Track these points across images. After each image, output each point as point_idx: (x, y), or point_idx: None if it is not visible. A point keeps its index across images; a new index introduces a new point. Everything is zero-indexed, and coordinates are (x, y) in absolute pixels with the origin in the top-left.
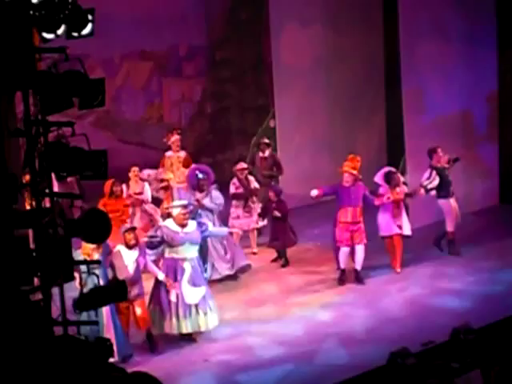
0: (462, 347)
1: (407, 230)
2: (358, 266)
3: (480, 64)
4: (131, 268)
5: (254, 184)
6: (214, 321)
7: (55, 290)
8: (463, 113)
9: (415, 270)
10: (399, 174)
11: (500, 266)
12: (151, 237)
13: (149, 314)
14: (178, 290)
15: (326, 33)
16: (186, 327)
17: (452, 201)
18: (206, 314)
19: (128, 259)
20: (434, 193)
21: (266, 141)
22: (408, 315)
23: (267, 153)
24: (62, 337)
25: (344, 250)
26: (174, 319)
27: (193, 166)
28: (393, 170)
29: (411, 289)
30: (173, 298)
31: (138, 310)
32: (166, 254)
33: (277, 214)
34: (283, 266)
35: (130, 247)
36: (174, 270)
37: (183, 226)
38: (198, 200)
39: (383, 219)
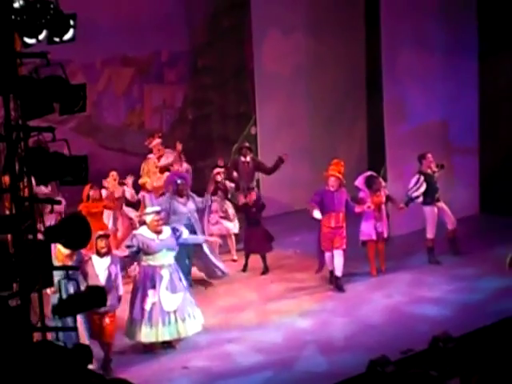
0: (441, 355)
1: (386, 234)
2: (338, 273)
3: (461, 74)
4: (103, 277)
5: (231, 185)
6: (194, 327)
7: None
8: (444, 122)
9: (395, 278)
10: (380, 179)
11: (479, 274)
12: (128, 246)
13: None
14: (154, 298)
15: (308, 41)
16: (164, 335)
17: (439, 206)
18: (184, 320)
19: (99, 268)
20: (420, 199)
21: (247, 145)
22: (387, 323)
23: (249, 157)
24: (40, 343)
25: (328, 255)
26: (149, 327)
27: (170, 172)
28: (374, 174)
29: (391, 297)
30: (147, 306)
31: (106, 321)
32: (143, 262)
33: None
34: (263, 273)
35: (101, 255)
36: (152, 278)
37: (158, 232)
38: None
39: (365, 225)
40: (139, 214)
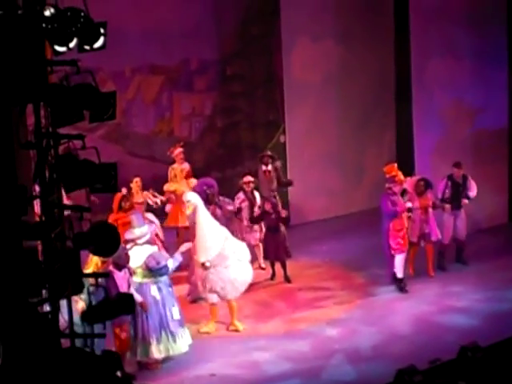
0: (469, 365)
1: (435, 235)
2: (400, 274)
3: (491, 82)
4: (124, 288)
5: (258, 199)
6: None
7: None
8: (473, 131)
9: (422, 288)
10: (424, 182)
11: (508, 283)
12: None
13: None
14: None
15: (337, 48)
16: (181, 347)
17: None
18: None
19: (120, 279)
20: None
21: (269, 153)
22: (415, 332)
23: (270, 166)
24: (69, 349)
25: (401, 257)
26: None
27: (200, 180)
28: (421, 177)
29: (419, 306)
30: (178, 315)
31: (122, 335)
32: (146, 280)
33: (283, 215)
34: (287, 281)
35: (119, 267)
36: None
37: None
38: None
39: (413, 226)
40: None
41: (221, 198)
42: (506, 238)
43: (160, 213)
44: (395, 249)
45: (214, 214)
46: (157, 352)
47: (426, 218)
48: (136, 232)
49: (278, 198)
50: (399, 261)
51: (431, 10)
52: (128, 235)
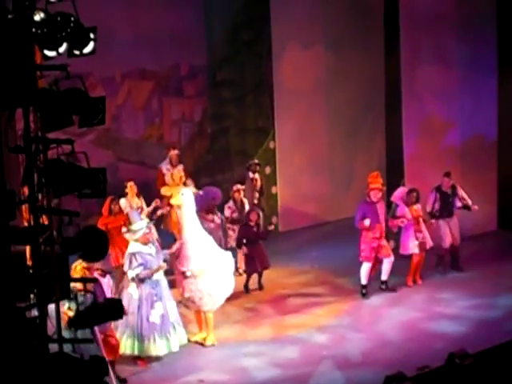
0: (457, 372)
1: (429, 244)
2: (385, 277)
3: (481, 89)
4: (109, 295)
5: (246, 207)
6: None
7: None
8: (463, 138)
9: (412, 294)
10: (415, 193)
11: (497, 290)
12: (139, 266)
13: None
14: (162, 310)
15: (327, 55)
16: (175, 345)
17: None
18: (180, 325)
19: (104, 285)
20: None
21: (256, 161)
22: (404, 339)
23: (257, 174)
24: (57, 354)
25: (367, 265)
26: (164, 339)
27: (207, 189)
28: (411, 188)
29: (407, 313)
30: (156, 319)
31: (112, 340)
32: (134, 276)
33: (244, 250)
34: (260, 288)
35: (104, 275)
36: (156, 291)
37: (146, 244)
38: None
39: (405, 238)
40: (125, 231)
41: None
42: (495, 245)
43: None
44: (363, 256)
45: (211, 223)
46: (123, 347)
47: (419, 228)
48: (133, 227)
49: (260, 208)
50: (364, 268)
51: (421, 18)
52: (125, 232)
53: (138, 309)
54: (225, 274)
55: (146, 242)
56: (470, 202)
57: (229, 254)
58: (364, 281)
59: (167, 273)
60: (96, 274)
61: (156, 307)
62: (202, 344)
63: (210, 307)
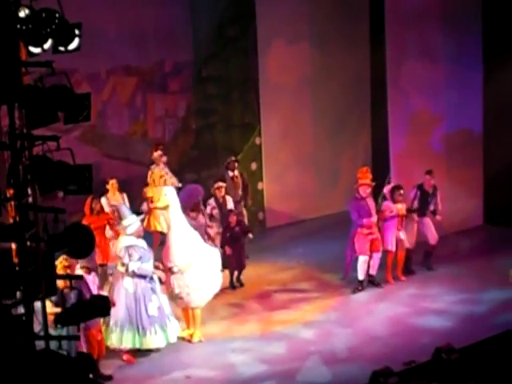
0: (444, 367)
1: (408, 243)
2: (374, 271)
3: (466, 85)
4: (94, 292)
5: (230, 205)
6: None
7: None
8: (448, 133)
9: (398, 289)
10: (402, 191)
11: (483, 286)
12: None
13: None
14: (158, 303)
15: (313, 51)
16: (172, 336)
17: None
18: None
19: (90, 282)
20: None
21: (234, 158)
22: (391, 334)
23: (236, 171)
24: (43, 351)
25: (364, 259)
26: (162, 331)
27: (189, 188)
28: (397, 185)
29: (394, 308)
30: (154, 312)
31: (99, 336)
32: (136, 271)
33: (227, 251)
34: (241, 285)
35: (89, 271)
36: (151, 284)
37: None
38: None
39: (387, 234)
40: (120, 227)
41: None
42: (481, 240)
43: None
44: (359, 250)
45: (196, 221)
46: (118, 341)
47: (400, 227)
48: (124, 222)
49: (242, 205)
50: (361, 263)
51: (407, 13)
52: (118, 226)
53: (135, 302)
54: (212, 269)
55: (139, 235)
56: (440, 208)
57: (216, 250)
58: (361, 276)
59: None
60: (81, 271)
61: (153, 300)
62: (189, 340)
63: (197, 303)
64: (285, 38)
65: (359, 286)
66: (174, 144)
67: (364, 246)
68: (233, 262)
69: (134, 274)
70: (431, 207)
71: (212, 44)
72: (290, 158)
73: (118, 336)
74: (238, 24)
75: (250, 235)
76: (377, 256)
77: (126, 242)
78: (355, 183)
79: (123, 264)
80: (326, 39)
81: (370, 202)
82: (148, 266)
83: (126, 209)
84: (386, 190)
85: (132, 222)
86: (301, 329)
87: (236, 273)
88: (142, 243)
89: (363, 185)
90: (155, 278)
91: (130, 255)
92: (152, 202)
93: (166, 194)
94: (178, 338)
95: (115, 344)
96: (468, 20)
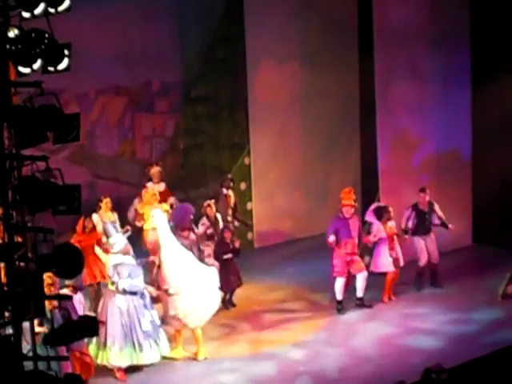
0: None
1: (402, 262)
2: (361, 293)
3: (454, 103)
4: (80, 312)
5: (220, 223)
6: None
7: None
8: (437, 153)
9: (388, 309)
10: (389, 208)
11: (472, 305)
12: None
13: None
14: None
15: (302, 70)
16: (165, 350)
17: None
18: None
19: (76, 302)
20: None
21: (230, 176)
22: (380, 354)
23: (230, 191)
24: (32, 372)
25: (341, 281)
26: (156, 345)
27: (183, 206)
28: (381, 204)
29: (384, 328)
30: (147, 327)
31: (86, 358)
32: (127, 289)
33: (227, 256)
34: (233, 306)
35: (75, 291)
36: (143, 299)
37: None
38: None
39: (380, 256)
40: (107, 245)
41: None
42: (471, 259)
43: None
44: (336, 272)
45: (189, 239)
46: (117, 359)
47: (393, 246)
48: (111, 240)
49: (233, 225)
50: (339, 284)
51: (395, 33)
52: (106, 244)
53: (129, 319)
54: (209, 289)
55: (126, 252)
56: (444, 218)
57: (213, 269)
58: (339, 296)
59: None
60: (67, 291)
61: (145, 315)
62: (174, 359)
63: (196, 324)
64: (274, 58)
65: (339, 306)
66: (162, 164)
67: (341, 266)
68: (226, 281)
69: (125, 292)
70: (436, 221)
71: (201, 64)
72: (280, 178)
73: (118, 354)
74: (226, 44)
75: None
76: (361, 276)
77: (114, 260)
78: (339, 203)
79: (113, 283)
80: (316, 59)
81: (353, 223)
82: (138, 282)
83: (111, 227)
84: (368, 215)
85: (117, 239)
86: (290, 349)
87: (228, 294)
88: (130, 260)
89: (346, 206)
90: (146, 293)
91: (118, 273)
92: (143, 219)
93: (153, 216)
94: (167, 357)
95: (114, 363)
96: (456, 40)
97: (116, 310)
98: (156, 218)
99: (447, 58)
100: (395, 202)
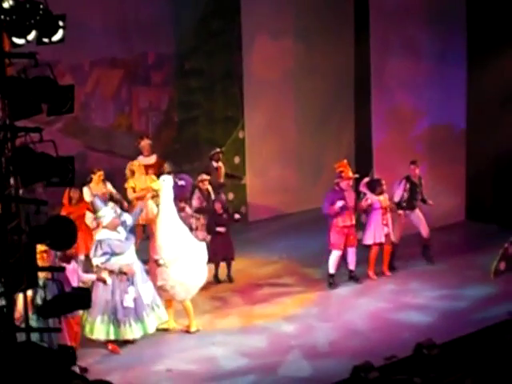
0: (425, 362)
1: (394, 236)
2: (353, 266)
3: (449, 81)
4: (74, 282)
5: (212, 196)
6: (163, 314)
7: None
8: (431, 129)
9: (380, 284)
10: (382, 181)
11: (464, 281)
12: (104, 254)
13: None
14: (135, 294)
15: (297, 46)
16: (150, 327)
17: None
18: (159, 307)
19: (69, 272)
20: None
21: (218, 150)
22: (372, 329)
23: (220, 163)
24: (24, 343)
25: (337, 253)
26: (139, 323)
27: (184, 177)
28: (375, 178)
29: (375, 303)
30: (130, 303)
31: (76, 327)
32: (113, 264)
33: (221, 229)
34: (230, 281)
35: (68, 261)
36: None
37: (116, 229)
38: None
39: (372, 228)
40: (95, 217)
41: None
42: (463, 235)
43: None
44: (332, 244)
45: (184, 212)
46: (98, 332)
47: (385, 219)
48: (99, 214)
49: (223, 194)
50: (334, 257)
51: (391, 10)
52: (92, 219)
53: (111, 294)
54: (197, 263)
55: (114, 227)
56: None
57: (202, 243)
58: (332, 270)
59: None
60: (59, 261)
61: (129, 291)
62: (165, 330)
63: (183, 296)
64: (269, 33)
65: (330, 280)
66: (156, 137)
67: (338, 239)
68: (218, 254)
69: (100, 268)
70: (418, 197)
71: (195, 37)
72: (273, 152)
73: (98, 327)
74: (221, 18)
75: (237, 215)
76: (352, 251)
77: (100, 235)
78: (336, 176)
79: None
80: (311, 34)
81: (349, 195)
82: (120, 260)
83: (99, 201)
84: (362, 186)
85: (105, 213)
86: (282, 323)
87: (225, 266)
88: (117, 235)
89: (347, 178)
90: (137, 266)
91: (95, 249)
92: (134, 191)
93: (164, 180)
94: (159, 329)
95: (95, 336)
96: (452, 17)
97: (99, 285)
98: (165, 183)
99: (443, 34)
100: (389, 177)
